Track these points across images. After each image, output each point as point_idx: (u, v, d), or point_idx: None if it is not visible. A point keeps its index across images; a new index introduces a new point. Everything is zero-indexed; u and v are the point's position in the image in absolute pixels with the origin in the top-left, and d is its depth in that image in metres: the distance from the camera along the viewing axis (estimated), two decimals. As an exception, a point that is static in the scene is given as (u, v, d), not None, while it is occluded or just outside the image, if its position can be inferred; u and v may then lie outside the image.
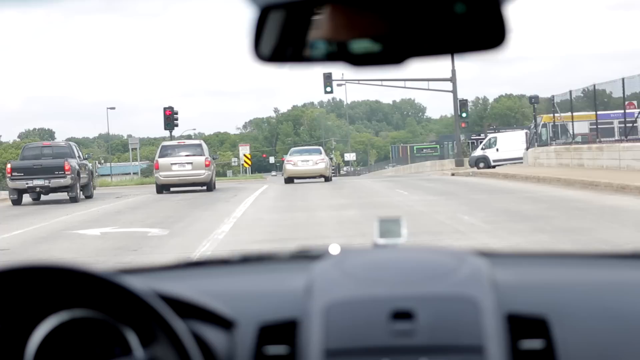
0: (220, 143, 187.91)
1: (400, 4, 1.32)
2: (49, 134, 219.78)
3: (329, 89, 46.18)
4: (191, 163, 29.11)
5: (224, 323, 1.47)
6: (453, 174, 39.70)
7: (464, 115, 47.41)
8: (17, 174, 25.76)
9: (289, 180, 33.89)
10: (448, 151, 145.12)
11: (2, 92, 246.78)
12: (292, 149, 37.89)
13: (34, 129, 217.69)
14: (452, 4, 1.33)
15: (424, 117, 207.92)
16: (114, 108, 72.64)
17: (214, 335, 1.45)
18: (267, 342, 1.45)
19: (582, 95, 35.49)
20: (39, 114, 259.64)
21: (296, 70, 1.43)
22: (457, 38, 1.34)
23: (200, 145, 30.69)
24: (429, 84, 45.73)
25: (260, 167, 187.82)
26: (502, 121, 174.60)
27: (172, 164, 29.19)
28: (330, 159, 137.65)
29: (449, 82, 46.00)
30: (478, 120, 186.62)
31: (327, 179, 33.73)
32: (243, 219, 16.92)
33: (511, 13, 1.32)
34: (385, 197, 22.34)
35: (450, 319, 1.38)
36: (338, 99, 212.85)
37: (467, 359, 1.34)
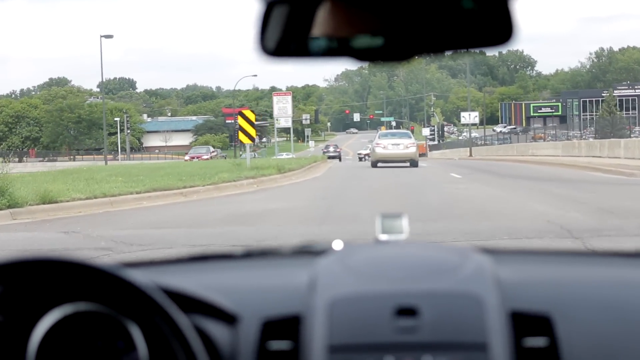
0: (306, 96, 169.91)
1: (405, 0, 1.33)
2: (130, 84, 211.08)
3: None
4: None
5: (227, 318, 1.48)
6: None
7: None
8: None
9: (375, 163, 32.44)
10: (573, 111, 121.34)
11: (105, 42, 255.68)
12: (380, 132, 36.09)
13: (114, 78, 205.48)
14: None
15: (534, 71, 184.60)
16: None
17: (217, 330, 1.46)
18: (270, 337, 1.45)
19: None
20: (134, 64, 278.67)
21: (300, 65, 1.42)
22: (464, 34, 1.35)
23: None
24: None
25: (345, 125, 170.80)
26: (628, 76, 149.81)
27: None
28: (431, 116, 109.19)
29: None
30: (601, 75, 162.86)
31: (414, 164, 31.77)
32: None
33: (519, 8, 1.28)
34: None
35: (454, 316, 1.38)
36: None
37: (471, 356, 1.34)
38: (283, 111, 46.30)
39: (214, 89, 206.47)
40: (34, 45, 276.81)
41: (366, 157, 70.57)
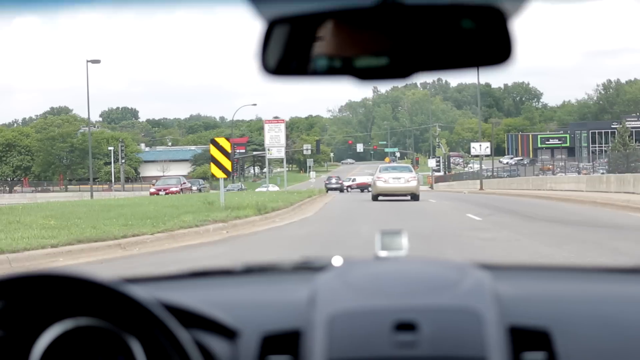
0: (309, 127, 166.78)
1: (405, 21, 1.36)
2: (132, 114, 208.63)
3: None
4: None
5: (228, 333, 1.49)
6: None
7: None
8: None
9: (376, 197, 32.62)
10: (581, 143, 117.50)
11: (110, 74, 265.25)
12: (381, 166, 35.27)
13: (117, 108, 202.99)
14: (458, 20, 1.37)
15: (540, 103, 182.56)
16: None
17: (217, 345, 1.47)
18: (270, 352, 1.46)
19: None
20: (139, 95, 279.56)
21: (301, 84, 1.45)
22: (463, 53, 1.38)
23: None
24: None
25: (349, 155, 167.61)
26: (636, 108, 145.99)
27: None
28: (436, 147, 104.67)
29: None
30: (608, 106, 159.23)
31: (415, 198, 31.62)
32: None
33: (517, 28, 1.34)
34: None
35: (453, 331, 1.39)
36: (444, 81, 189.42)
37: None
38: (275, 140, 42.45)
39: (217, 119, 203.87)
40: (38, 76, 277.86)
41: (349, 189, 67.39)
